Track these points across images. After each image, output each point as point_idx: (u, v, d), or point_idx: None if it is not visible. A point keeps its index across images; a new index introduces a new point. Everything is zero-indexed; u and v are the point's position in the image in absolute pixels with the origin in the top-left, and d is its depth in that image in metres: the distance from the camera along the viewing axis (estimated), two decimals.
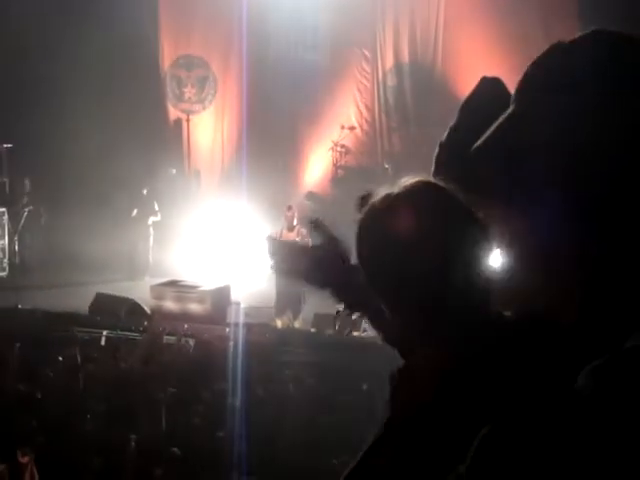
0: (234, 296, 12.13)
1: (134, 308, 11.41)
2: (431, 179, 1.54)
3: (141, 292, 12.12)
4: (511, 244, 1.17)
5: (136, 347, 9.14)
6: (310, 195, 16.08)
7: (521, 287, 1.18)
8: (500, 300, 1.34)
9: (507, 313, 1.36)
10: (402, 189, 1.51)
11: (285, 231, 11.35)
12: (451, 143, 1.57)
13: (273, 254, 1.79)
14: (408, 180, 1.53)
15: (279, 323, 11.19)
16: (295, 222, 11.39)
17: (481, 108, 1.39)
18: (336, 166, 15.93)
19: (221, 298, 11.75)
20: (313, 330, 10.82)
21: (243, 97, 17.54)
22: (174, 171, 16.79)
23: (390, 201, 1.51)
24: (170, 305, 11.62)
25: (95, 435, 6.40)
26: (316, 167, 16.74)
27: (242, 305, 11.83)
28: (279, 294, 11.26)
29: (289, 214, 11.39)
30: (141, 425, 6.53)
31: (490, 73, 1.69)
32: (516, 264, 1.17)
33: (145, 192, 15.05)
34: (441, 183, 1.50)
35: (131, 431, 6.30)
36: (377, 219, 1.51)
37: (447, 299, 1.40)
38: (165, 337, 9.71)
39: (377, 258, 1.48)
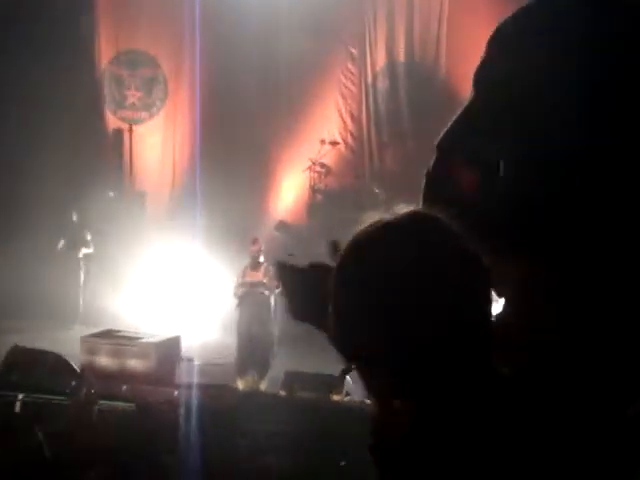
0: (185, 350, 12.12)
1: (59, 365, 11.27)
2: (426, 210, 1.64)
3: (69, 345, 12.02)
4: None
5: (61, 414, 9.06)
6: (281, 225, 16.12)
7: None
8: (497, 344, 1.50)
9: (505, 368, 1.51)
10: (390, 219, 1.61)
11: (249, 270, 11.34)
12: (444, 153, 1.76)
13: (283, 284, 1.92)
14: (401, 210, 1.63)
15: (241, 384, 11.15)
16: (262, 259, 11.38)
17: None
18: (314, 189, 15.97)
19: (168, 352, 11.69)
20: (283, 393, 10.78)
21: (198, 104, 17.60)
22: (112, 194, 16.75)
23: (374, 231, 1.61)
24: (105, 361, 11.54)
25: None
26: (289, 191, 16.83)
27: (195, 362, 11.82)
28: (241, 348, 11.23)
29: (254, 249, 11.34)
30: None
31: None
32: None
33: (75, 218, 15.01)
34: (435, 213, 1.60)
35: None
36: (358, 251, 1.60)
37: (431, 346, 1.50)
38: (99, 402, 9.63)
39: (354, 295, 1.57)
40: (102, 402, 9.68)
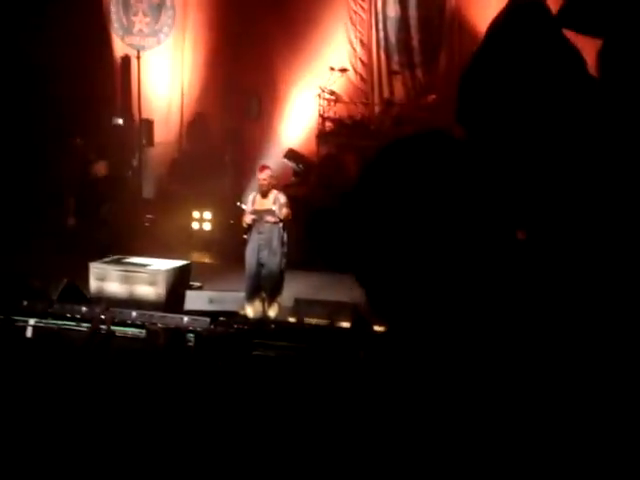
0: (194, 278, 12.21)
1: (69, 290, 11.40)
2: (444, 131, 1.60)
3: (78, 270, 12.12)
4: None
5: (75, 339, 9.13)
6: (290, 153, 16.11)
7: None
8: None
9: None
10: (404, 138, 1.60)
11: (259, 197, 11.30)
12: (471, 81, 1.70)
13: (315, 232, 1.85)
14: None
15: (250, 311, 11.19)
16: (271, 186, 11.34)
17: (511, 35, 1.59)
18: (323, 117, 15.90)
19: (178, 280, 11.78)
20: (293, 320, 10.85)
21: (206, 27, 17.46)
22: (120, 121, 16.73)
23: (390, 150, 1.58)
24: (114, 288, 11.65)
25: None
26: (298, 118, 16.74)
27: (204, 289, 11.90)
28: (250, 275, 11.25)
29: (263, 177, 11.29)
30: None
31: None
32: None
33: (79, 142, 14.99)
34: (456, 136, 1.59)
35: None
36: (373, 170, 1.58)
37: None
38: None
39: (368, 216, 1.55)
40: (112, 328, 9.78)
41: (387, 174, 1.57)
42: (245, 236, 11.43)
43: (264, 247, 11.16)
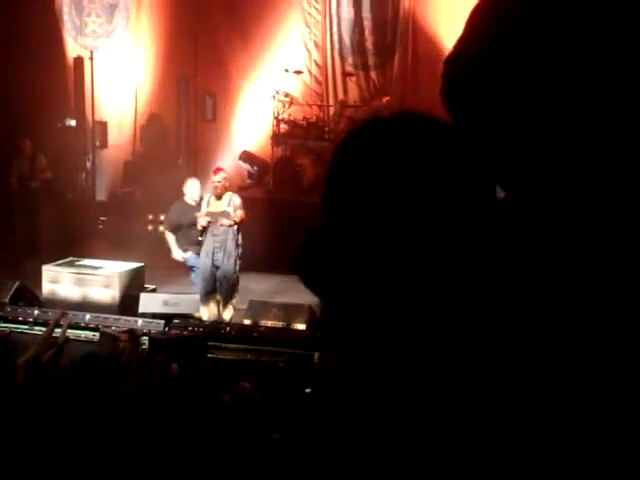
0: (148, 281, 12.15)
1: (21, 293, 11.29)
2: (421, 113, 1.54)
3: (30, 273, 12.00)
4: None
5: (26, 344, 9.02)
6: (245, 155, 16.13)
7: None
8: None
9: None
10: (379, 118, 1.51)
11: (213, 199, 11.28)
12: (453, 67, 1.58)
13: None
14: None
15: (205, 313, 11.16)
16: (225, 189, 11.31)
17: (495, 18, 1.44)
18: (278, 119, 15.92)
19: (132, 283, 11.72)
20: (247, 322, 10.83)
21: (159, 29, 17.39)
22: (73, 122, 16.61)
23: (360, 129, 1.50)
24: (68, 290, 11.56)
25: None
26: (253, 120, 16.81)
27: (158, 292, 11.85)
28: (205, 277, 11.22)
29: (217, 179, 11.27)
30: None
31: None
32: None
33: (28, 143, 14.80)
34: (435, 119, 1.50)
35: None
36: (342, 152, 1.52)
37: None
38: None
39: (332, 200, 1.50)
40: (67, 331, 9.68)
41: (362, 161, 1.50)
42: (200, 238, 11.38)
43: (219, 249, 11.14)
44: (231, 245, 11.16)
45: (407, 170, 1.46)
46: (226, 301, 11.25)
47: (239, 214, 11.13)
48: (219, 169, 11.61)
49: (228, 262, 11.13)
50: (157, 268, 12.60)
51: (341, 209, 1.51)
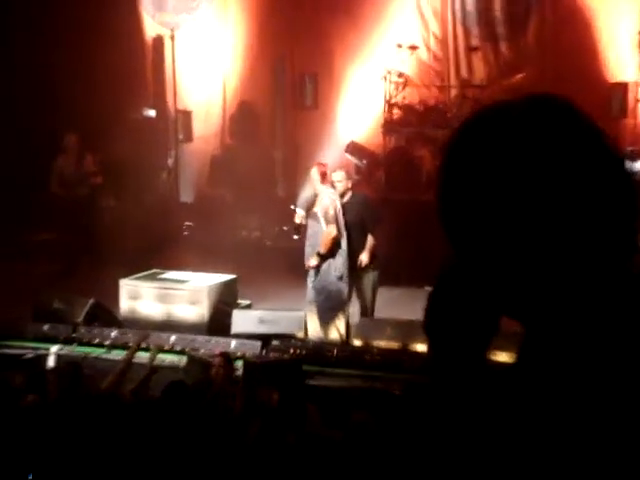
0: (242, 295, 12.25)
1: (97, 311, 11.45)
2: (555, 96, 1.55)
3: (106, 289, 12.19)
4: None
5: (106, 369, 9.11)
6: (352, 147, 16.15)
7: None
8: None
9: None
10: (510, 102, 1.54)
11: (314, 198, 11.27)
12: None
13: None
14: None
15: (309, 332, 11.15)
16: (348, 190, 11.32)
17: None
18: (390, 103, 15.85)
19: (223, 298, 11.74)
20: (357, 343, 10.80)
21: (250, 2, 17.50)
22: (152, 113, 16.84)
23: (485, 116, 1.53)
24: (149, 308, 11.67)
25: None
26: (361, 105, 16.75)
27: (253, 308, 11.96)
28: (311, 290, 11.23)
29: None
30: None
31: None
32: None
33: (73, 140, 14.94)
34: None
35: None
36: (469, 139, 1.54)
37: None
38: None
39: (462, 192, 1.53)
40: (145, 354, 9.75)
41: (484, 155, 1.51)
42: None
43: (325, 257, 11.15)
44: (337, 251, 11.15)
45: (544, 170, 1.46)
46: (333, 318, 11.22)
47: (327, 233, 11.08)
48: (322, 164, 11.57)
49: (335, 272, 11.12)
50: (252, 281, 12.67)
51: (459, 215, 1.53)
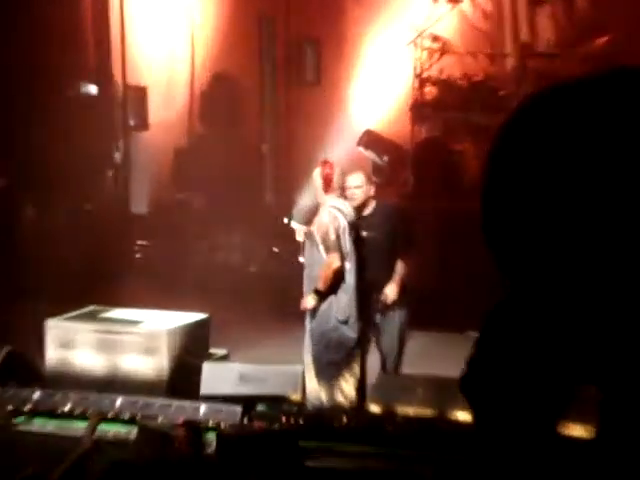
0: (216, 341, 12.18)
1: (12, 364, 11.38)
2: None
3: (27, 331, 12.19)
4: None
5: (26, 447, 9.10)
6: (368, 138, 16.24)
7: None
8: None
9: None
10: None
11: (316, 209, 11.24)
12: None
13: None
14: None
15: (307, 393, 11.13)
16: (336, 188, 11.24)
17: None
18: (422, 78, 16.03)
19: (189, 345, 11.73)
20: (375, 408, 10.74)
21: None
22: (93, 89, 16.85)
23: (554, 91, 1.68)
24: (87, 359, 11.63)
25: None
26: (380, 80, 16.90)
27: (231, 360, 11.95)
28: (313, 338, 11.19)
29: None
30: None
31: None
32: None
33: None
34: None
35: None
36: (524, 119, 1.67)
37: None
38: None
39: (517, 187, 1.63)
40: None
41: (546, 149, 1.57)
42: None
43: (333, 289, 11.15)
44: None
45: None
46: (336, 376, 11.23)
47: (327, 265, 11.02)
48: (326, 163, 11.53)
49: (338, 313, 11.10)
50: (230, 322, 12.79)
51: (515, 230, 1.63)
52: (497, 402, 1.75)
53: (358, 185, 11.24)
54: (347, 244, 10.95)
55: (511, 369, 1.75)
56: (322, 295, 10.91)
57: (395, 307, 11.26)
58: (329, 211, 10.92)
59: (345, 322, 11.03)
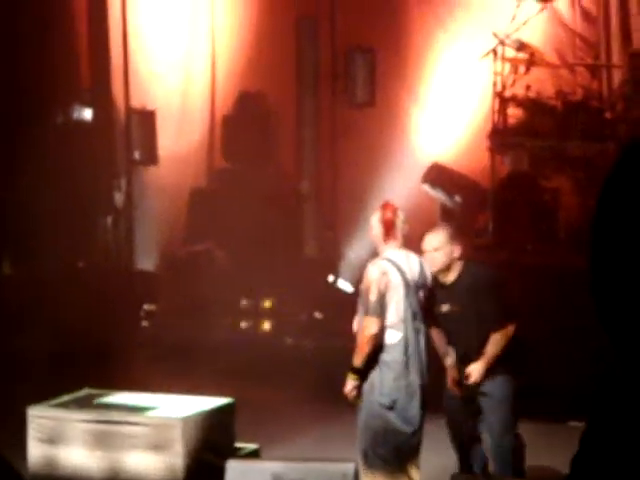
0: (243, 431, 12.07)
1: None
2: None
3: (4, 421, 12.21)
4: None
5: None
6: (436, 172, 16.16)
7: None
8: None
9: None
10: None
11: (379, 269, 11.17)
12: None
13: None
14: None
15: None
16: (398, 237, 11.19)
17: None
18: (503, 97, 15.91)
19: (210, 438, 11.64)
20: None
21: None
22: (88, 113, 16.89)
23: None
24: (79, 457, 11.55)
25: None
26: (451, 102, 17.03)
27: (263, 456, 11.90)
28: (360, 428, 11.11)
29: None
30: None
31: None
32: None
33: None
34: None
35: None
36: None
37: None
38: None
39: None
40: None
41: None
42: None
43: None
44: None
45: None
46: (391, 475, 11.20)
47: (362, 330, 11.00)
48: (388, 207, 11.50)
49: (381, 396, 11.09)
50: (261, 408, 12.79)
51: (630, 293, 1.66)
52: None
53: (437, 246, 11.25)
54: (401, 309, 10.89)
55: (625, 468, 1.77)
56: (360, 372, 10.87)
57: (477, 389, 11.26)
58: (380, 264, 10.91)
59: (390, 407, 11.02)
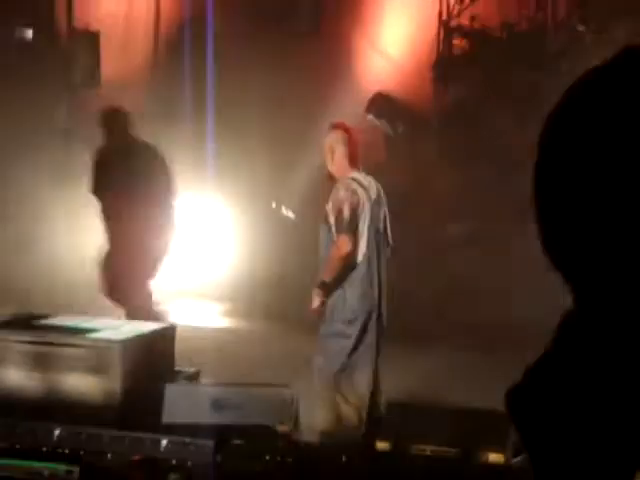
0: (182, 354, 12.24)
1: None
2: None
3: None
4: None
5: None
6: (379, 102, 16.36)
7: None
8: None
9: None
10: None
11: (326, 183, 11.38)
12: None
13: None
14: None
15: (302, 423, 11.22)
16: (341, 165, 11.35)
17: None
18: (447, 26, 16.23)
19: (147, 360, 11.73)
20: (383, 445, 10.81)
21: None
22: (29, 33, 16.92)
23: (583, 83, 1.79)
24: (17, 377, 11.62)
25: None
26: (395, 30, 17.16)
27: (201, 380, 12.07)
28: (319, 344, 11.32)
29: (351, 142, 11.50)
30: None
31: None
32: None
33: None
34: None
35: None
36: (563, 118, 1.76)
37: None
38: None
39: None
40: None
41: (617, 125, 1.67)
42: None
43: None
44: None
45: None
46: (330, 394, 11.55)
47: (336, 248, 11.24)
48: (339, 126, 11.69)
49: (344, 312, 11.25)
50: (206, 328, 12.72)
51: (574, 221, 1.70)
52: (558, 430, 1.80)
53: None
54: (366, 227, 11.05)
55: (581, 390, 1.79)
56: (329, 289, 11.00)
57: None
58: (348, 184, 11.07)
59: (349, 322, 11.24)
